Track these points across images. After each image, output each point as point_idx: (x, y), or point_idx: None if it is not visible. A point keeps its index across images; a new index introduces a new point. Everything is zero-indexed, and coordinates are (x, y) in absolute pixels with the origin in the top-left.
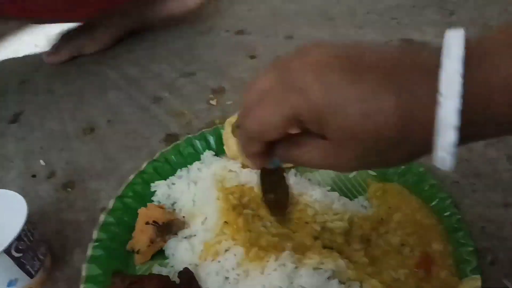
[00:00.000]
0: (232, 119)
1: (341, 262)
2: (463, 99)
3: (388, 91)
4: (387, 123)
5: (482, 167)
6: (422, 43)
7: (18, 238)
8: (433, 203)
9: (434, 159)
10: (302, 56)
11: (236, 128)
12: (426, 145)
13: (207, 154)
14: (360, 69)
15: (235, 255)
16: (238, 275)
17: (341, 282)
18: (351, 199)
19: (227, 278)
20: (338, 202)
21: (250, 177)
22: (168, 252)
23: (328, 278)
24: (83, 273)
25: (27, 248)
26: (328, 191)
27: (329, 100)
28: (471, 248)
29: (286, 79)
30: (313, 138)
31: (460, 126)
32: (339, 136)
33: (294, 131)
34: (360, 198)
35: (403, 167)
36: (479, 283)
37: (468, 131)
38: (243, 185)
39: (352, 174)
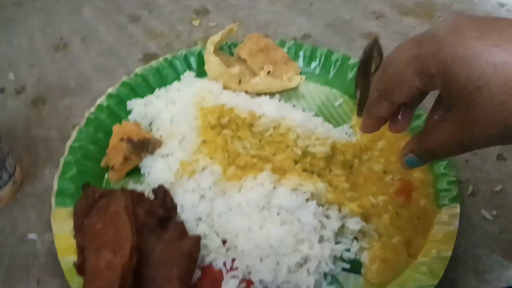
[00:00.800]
0: (215, 37)
1: (321, 185)
2: None
3: None
4: None
5: None
6: None
7: None
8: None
9: None
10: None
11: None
12: None
13: (187, 75)
14: (492, 27)
15: (212, 173)
16: (214, 193)
17: (319, 204)
18: (335, 127)
19: (203, 196)
20: (321, 127)
21: (232, 98)
22: (143, 170)
23: (307, 200)
24: (54, 186)
25: None
26: (313, 116)
27: (458, 50)
28: (452, 178)
29: (421, 38)
30: (444, 119)
31: None
32: (466, 94)
33: (424, 89)
34: (345, 126)
35: None
36: (457, 211)
37: None
38: (222, 105)
39: (338, 103)
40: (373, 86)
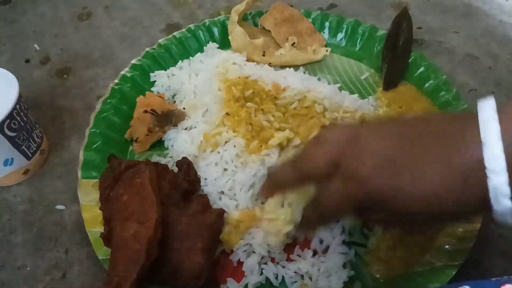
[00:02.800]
0: (239, 7)
1: None
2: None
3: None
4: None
5: (506, 76)
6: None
7: (10, 116)
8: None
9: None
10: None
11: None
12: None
13: (211, 46)
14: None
15: (234, 146)
16: (236, 166)
17: None
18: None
19: (225, 169)
20: (348, 100)
21: (255, 71)
22: (167, 143)
23: None
24: (80, 158)
25: (21, 128)
26: (338, 89)
27: (385, 186)
28: None
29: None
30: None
31: None
32: (400, 214)
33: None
34: (370, 98)
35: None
36: None
37: None
38: (246, 77)
39: (363, 76)
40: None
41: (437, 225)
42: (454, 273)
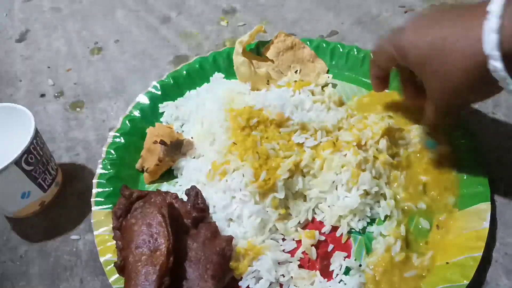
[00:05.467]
0: (243, 38)
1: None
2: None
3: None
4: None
5: (503, 97)
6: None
7: (27, 151)
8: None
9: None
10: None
11: None
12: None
13: (216, 76)
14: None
15: (243, 175)
16: (244, 195)
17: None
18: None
19: (233, 197)
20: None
21: (259, 99)
22: (176, 171)
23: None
24: (94, 188)
25: (37, 161)
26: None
27: (410, 39)
28: (484, 177)
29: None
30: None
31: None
32: (419, 64)
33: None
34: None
35: None
36: (488, 210)
37: None
38: (251, 107)
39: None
40: (371, 60)
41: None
42: None
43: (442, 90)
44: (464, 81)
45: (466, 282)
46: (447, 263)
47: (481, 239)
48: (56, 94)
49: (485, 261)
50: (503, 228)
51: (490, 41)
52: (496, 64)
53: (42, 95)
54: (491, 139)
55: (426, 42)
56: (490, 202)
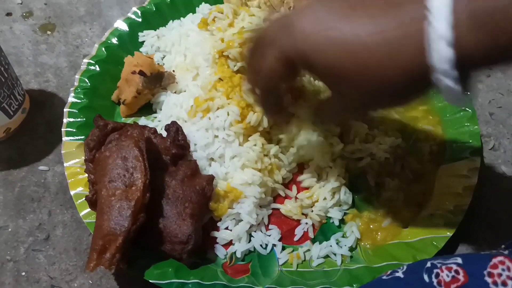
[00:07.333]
0: None
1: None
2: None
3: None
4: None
5: None
6: None
7: None
8: None
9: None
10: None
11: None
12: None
13: (203, 6)
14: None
15: (228, 114)
16: (228, 135)
17: None
18: None
19: (216, 136)
20: None
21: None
22: (155, 106)
23: None
24: (64, 118)
25: (1, 84)
26: None
27: (312, 39)
28: (475, 131)
29: (280, 23)
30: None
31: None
32: (328, 75)
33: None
34: None
35: None
36: (477, 164)
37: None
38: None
39: None
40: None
41: (385, 100)
42: (443, 245)
43: (362, 101)
44: (392, 93)
45: (450, 233)
46: (431, 214)
47: (469, 193)
48: (24, 14)
49: (470, 215)
50: (488, 184)
51: (439, 53)
52: (447, 82)
53: (8, 14)
54: (485, 95)
55: (340, 42)
56: (480, 157)
